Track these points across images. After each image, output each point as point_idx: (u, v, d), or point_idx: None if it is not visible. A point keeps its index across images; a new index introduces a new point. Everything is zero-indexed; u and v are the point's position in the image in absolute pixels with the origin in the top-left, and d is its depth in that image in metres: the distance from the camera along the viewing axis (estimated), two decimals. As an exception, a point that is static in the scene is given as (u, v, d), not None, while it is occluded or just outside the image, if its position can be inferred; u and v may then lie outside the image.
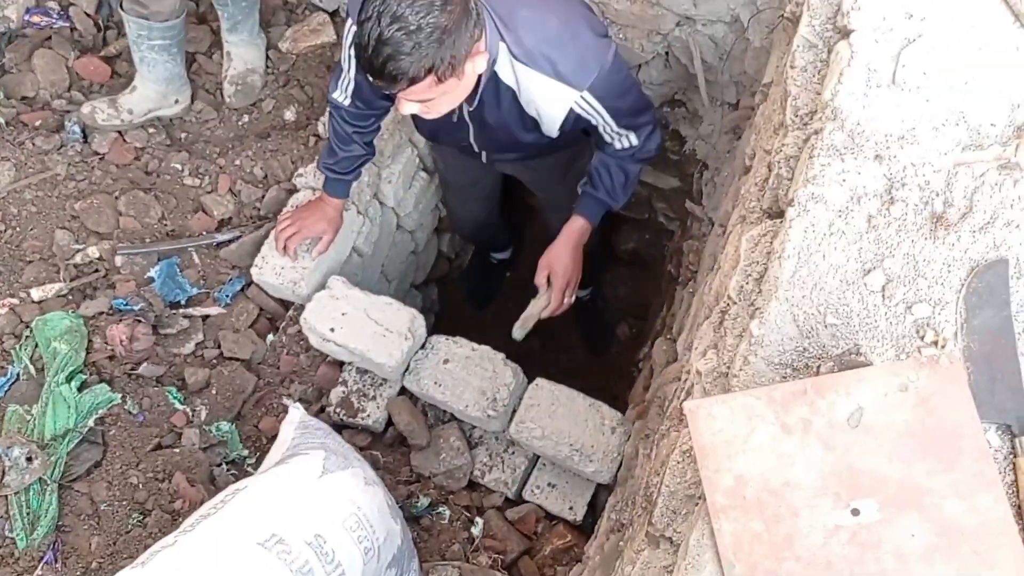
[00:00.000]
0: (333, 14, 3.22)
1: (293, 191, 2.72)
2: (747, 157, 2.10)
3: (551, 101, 2.03)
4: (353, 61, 2.10)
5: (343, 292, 2.53)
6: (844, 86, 1.62)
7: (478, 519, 2.39)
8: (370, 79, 1.77)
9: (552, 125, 2.10)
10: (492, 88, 2.02)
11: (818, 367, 1.39)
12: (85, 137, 2.90)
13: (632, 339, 3.83)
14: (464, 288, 3.93)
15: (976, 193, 1.51)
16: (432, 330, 2.61)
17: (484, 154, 2.45)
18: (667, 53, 2.70)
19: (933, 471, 1.24)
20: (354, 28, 1.91)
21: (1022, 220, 1.47)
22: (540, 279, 2.39)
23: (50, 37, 3.17)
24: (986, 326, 1.41)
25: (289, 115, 2.99)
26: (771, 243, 1.59)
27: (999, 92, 1.57)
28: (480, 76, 1.95)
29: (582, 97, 2.02)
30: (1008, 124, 1.54)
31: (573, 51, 1.98)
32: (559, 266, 2.36)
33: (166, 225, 2.75)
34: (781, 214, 1.63)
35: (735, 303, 1.59)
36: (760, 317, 1.46)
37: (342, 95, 2.26)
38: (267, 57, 3.13)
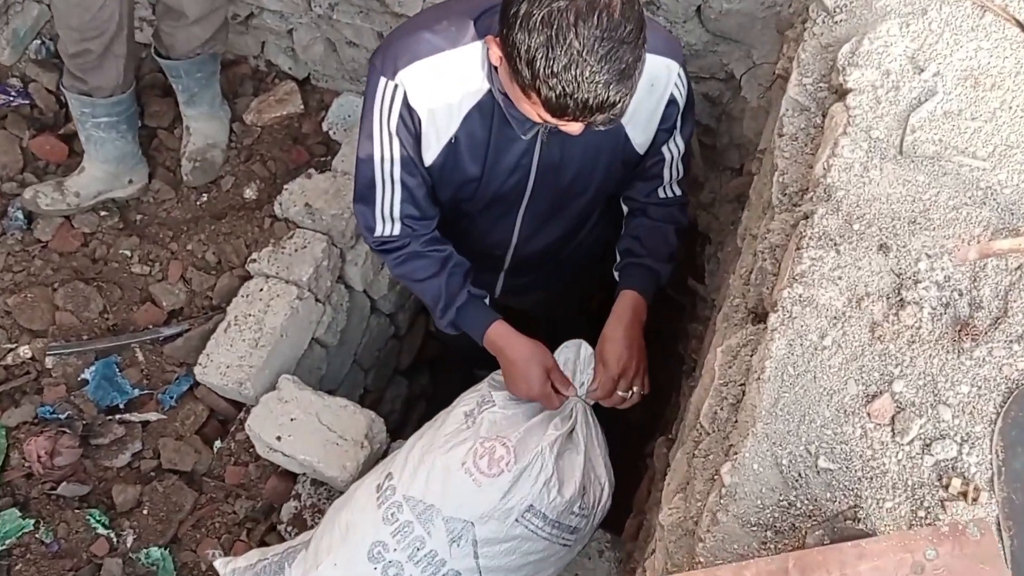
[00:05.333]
0: (303, 82, 3.02)
1: (247, 277, 2.47)
2: (739, 238, 1.81)
3: (652, 81, 1.73)
4: (395, 173, 1.76)
5: (293, 394, 2.27)
6: (840, 158, 1.33)
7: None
8: (566, 119, 1.49)
9: (640, 129, 1.80)
10: None
11: (805, 533, 1.07)
12: (30, 223, 2.71)
13: (645, 426, 3.49)
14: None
15: (1011, 291, 1.19)
16: (427, 416, 2.29)
17: (502, 279, 2.18)
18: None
19: None
20: (385, 132, 1.71)
21: (1072, 330, 1.15)
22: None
23: (6, 116, 3.00)
24: (1031, 471, 1.09)
25: (249, 193, 2.77)
26: (751, 358, 1.29)
27: (1034, 162, 1.27)
28: None
29: (679, 75, 1.77)
30: (1048, 203, 1.23)
31: (658, 28, 1.76)
32: (611, 353, 1.89)
33: (108, 319, 2.52)
34: (764, 317, 1.33)
35: (708, 433, 1.29)
36: (734, 460, 1.15)
37: (386, 224, 1.83)
38: (231, 131, 2.92)
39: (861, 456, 1.12)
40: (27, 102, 3.08)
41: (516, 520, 1.72)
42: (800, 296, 1.23)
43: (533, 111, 1.51)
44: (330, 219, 2.48)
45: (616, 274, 2.05)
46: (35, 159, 2.95)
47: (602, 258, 2.48)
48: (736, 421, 1.23)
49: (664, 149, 1.87)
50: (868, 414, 1.14)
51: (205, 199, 2.80)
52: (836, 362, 1.18)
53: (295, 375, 2.36)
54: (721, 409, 1.27)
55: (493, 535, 1.73)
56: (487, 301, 1.92)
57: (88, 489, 2.19)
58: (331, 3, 2.63)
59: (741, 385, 1.27)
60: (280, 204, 2.54)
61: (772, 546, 1.10)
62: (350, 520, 1.85)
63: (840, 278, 1.24)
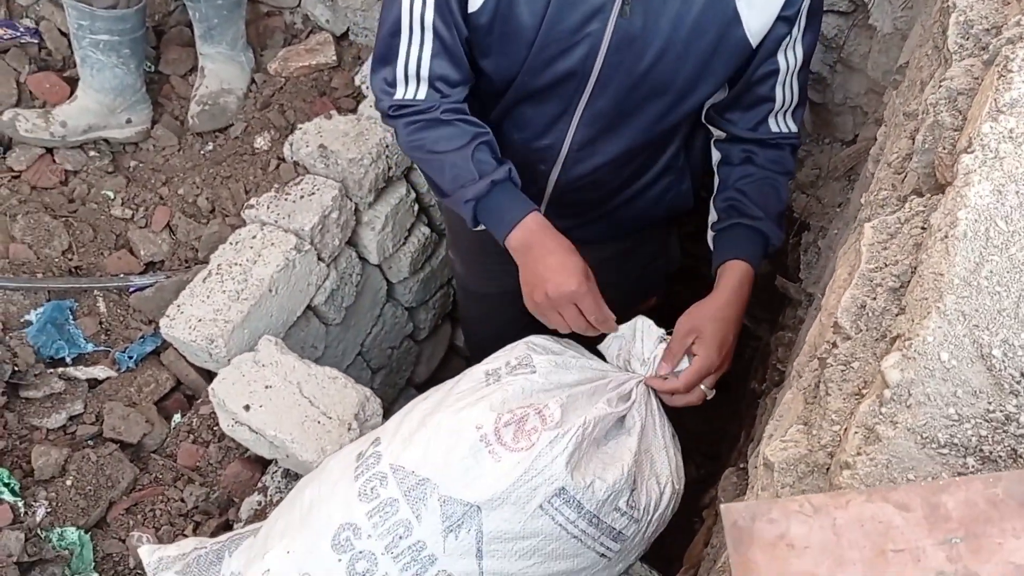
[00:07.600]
0: (341, 38, 2.72)
1: (238, 226, 2.11)
2: (871, 162, 1.40)
3: None
4: (427, 16, 1.40)
5: (273, 357, 1.87)
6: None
7: None
8: None
9: (759, 9, 1.41)
10: None
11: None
12: (6, 150, 2.40)
13: (699, 482, 3.00)
14: None
15: None
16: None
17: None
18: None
19: None
20: None
21: None
22: (678, 347, 1.48)
23: (8, 50, 2.74)
24: None
25: (261, 142, 2.43)
26: (922, 228, 0.87)
27: None
28: None
29: None
30: None
31: None
32: (717, 336, 1.48)
33: (71, 260, 2.17)
34: (940, 188, 0.92)
35: (849, 338, 0.85)
36: (906, 348, 0.72)
37: (408, 86, 1.47)
38: (252, 80, 2.61)
39: None
40: (35, 41, 2.82)
41: (540, 507, 1.28)
42: (1011, 131, 0.82)
43: None
44: (346, 164, 2.12)
45: (711, 236, 1.64)
46: (32, 97, 2.66)
47: (667, 227, 2.05)
48: (903, 308, 0.80)
49: (780, 56, 1.47)
50: None
51: (211, 148, 2.47)
52: (1076, 217, 0.76)
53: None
54: (873, 299, 0.85)
55: (506, 526, 1.29)
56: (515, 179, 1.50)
57: (1, 445, 1.79)
58: (379, -72, 2.34)
59: (905, 264, 0.85)
60: (291, 144, 2.19)
61: (982, 470, 0.66)
62: (316, 496, 1.42)
63: (1075, 109, 0.82)
